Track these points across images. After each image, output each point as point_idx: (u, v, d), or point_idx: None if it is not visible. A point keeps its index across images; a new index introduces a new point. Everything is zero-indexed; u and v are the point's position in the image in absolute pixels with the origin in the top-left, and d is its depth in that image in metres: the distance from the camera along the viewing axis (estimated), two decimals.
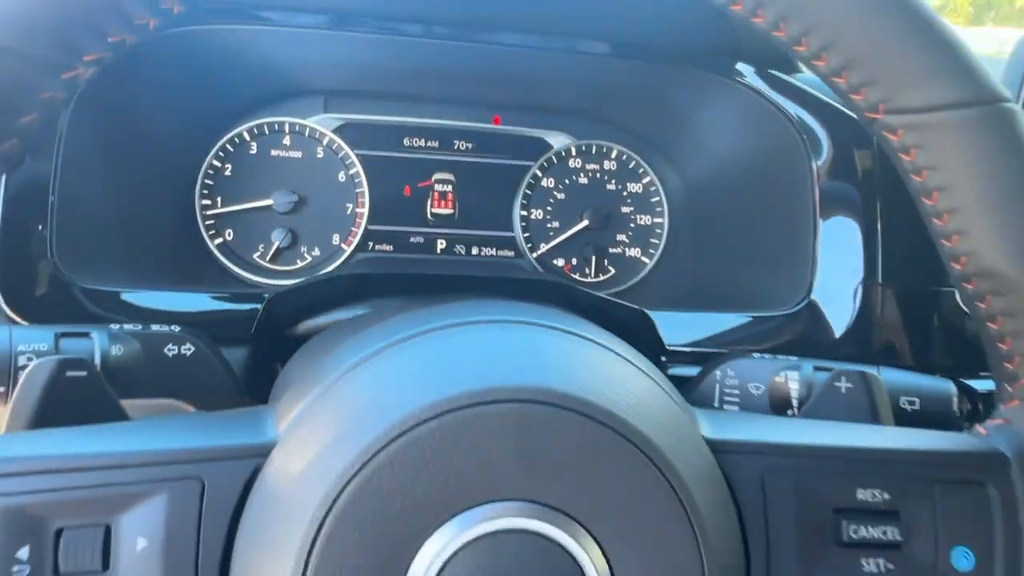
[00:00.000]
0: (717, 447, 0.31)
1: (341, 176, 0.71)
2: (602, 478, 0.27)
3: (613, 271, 0.76)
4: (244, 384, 0.50)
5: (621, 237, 0.76)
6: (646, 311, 0.57)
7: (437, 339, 0.31)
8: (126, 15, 0.30)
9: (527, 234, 0.75)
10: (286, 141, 0.70)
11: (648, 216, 0.76)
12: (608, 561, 0.27)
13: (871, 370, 0.47)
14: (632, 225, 0.76)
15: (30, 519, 0.26)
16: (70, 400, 0.34)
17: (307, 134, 0.70)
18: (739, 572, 0.30)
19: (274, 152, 0.70)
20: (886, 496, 0.32)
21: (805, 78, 0.65)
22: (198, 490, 0.28)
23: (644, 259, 0.76)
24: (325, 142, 0.71)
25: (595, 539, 0.27)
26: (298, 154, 0.70)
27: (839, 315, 0.56)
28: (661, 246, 0.76)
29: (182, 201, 0.67)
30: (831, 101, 0.63)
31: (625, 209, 0.76)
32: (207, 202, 0.68)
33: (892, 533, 0.31)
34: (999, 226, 0.31)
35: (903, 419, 0.45)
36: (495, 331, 0.31)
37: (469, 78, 0.69)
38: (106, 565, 0.27)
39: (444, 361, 0.29)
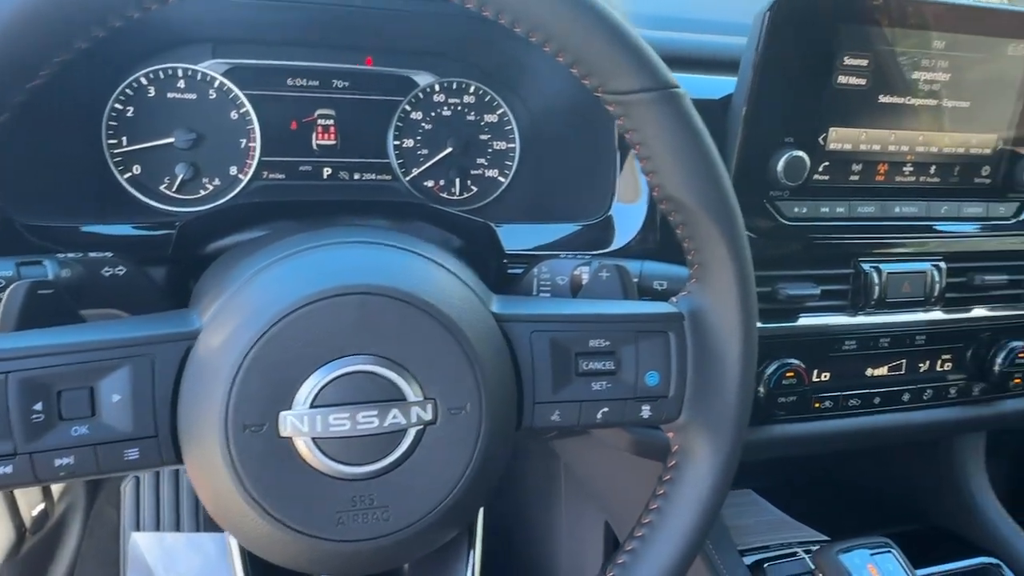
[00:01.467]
0: (500, 318, 0.47)
1: (233, 114, 0.81)
2: (413, 338, 0.42)
3: (475, 189, 0.90)
4: (165, 295, 0.63)
5: (481, 160, 0.89)
6: (490, 223, 0.72)
7: (306, 255, 0.45)
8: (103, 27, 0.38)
9: (400, 160, 0.87)
10: (180, 84, 0.79)
11: (503, 142, 0.89)
12: (421, 388, 0.43)
13: (636, 264, 0.65)
14: (490, 150, 0.89)
15: (41, 385, 0.39)
16: (41, 311, 0.47)
17: (199, 78, 0.79)
18: (511, 393, 0.47)
19: (171, 95, 0.79)
20: (607, 343, 0.49)
21: None
22: (150, 363, 0.41)
23: (500, 179, 0.90)
24: (216, 85, 0.80)
25: (412, 375, 0.43)
26: (193, 96, 0.79)
27: (628, 225, 0.72)
28: (514, 167, 0.90)
29: (93, 142, 0.76)
30: None
31: (483, 137, 0.89)
32: (113, 141, 0.78)
33: (609, 365, 0.48)
34: (673, 167, 0.47)
35: (655, 295, 0.63)
36: (345, 248, 0.46)
37: (343, 27, 0.79)
38: (93, 412, 0.40)
39: (311, 269, 0.43)
